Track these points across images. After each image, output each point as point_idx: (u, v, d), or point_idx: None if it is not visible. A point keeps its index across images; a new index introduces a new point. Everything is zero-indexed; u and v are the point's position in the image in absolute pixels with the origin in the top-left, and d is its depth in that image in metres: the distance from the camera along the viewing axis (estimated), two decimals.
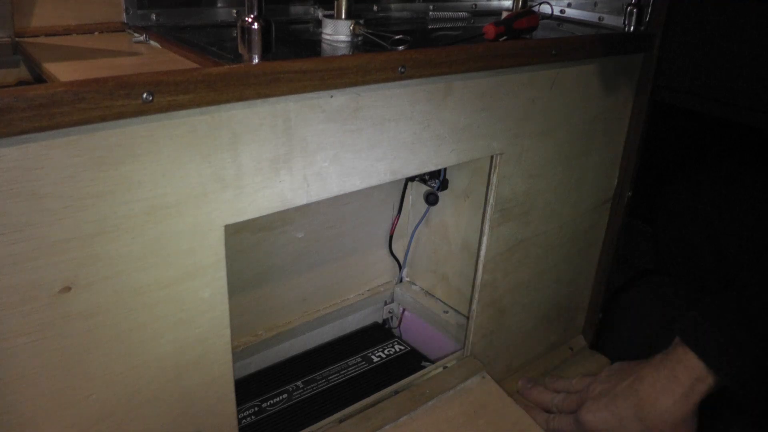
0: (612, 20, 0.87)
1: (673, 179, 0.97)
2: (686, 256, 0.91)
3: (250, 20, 0.47)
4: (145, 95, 0.41)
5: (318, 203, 0.64)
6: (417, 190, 0.87)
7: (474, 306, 0.77)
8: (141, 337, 0.48)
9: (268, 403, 0.72)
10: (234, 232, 0.70)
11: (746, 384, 0.64)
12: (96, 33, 0.64)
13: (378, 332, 0.89)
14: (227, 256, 0.50)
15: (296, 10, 0.77)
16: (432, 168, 0.64)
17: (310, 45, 0.65)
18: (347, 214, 0.82)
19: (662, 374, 0.69)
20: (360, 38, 0.63)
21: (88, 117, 0.39)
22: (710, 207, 0.87)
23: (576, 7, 0.92)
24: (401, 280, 0.96)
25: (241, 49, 0.48)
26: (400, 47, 0.58)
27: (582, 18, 0.91)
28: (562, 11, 0.94)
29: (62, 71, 0.49)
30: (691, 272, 0.91)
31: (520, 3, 0.79)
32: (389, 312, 0.96)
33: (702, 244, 0.88)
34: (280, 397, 0.73)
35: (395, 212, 0.88)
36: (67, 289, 0.43)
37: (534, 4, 0.84)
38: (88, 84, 0.39)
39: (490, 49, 0.62)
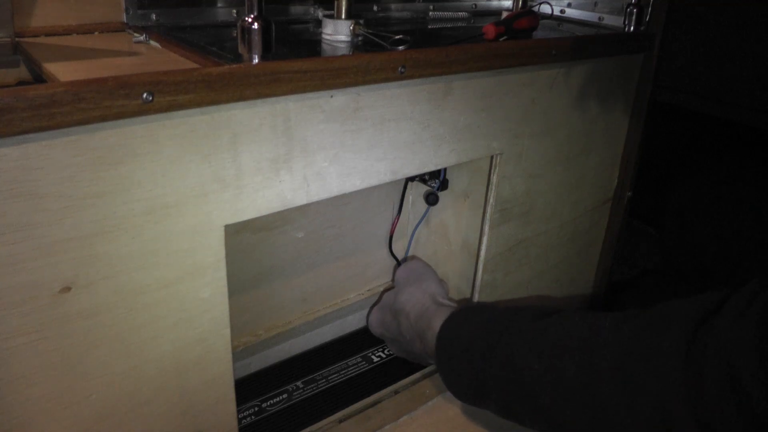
0: (612, 20, 0.87)
1: (674, 179, 0.97)
2: (692, 255, 0.91)
3: (250, 20, 0.47)
4: (145, 95, 0.41)
5: (318, 203, 0.63)
6: (417, 190, 0.87)
7: None
8: (141, 337, 0.48)
9: (268, 403, 0.72)
10: (234, 232, 0.70)
11: None
12: (96, 33, 0.64)
13: None
14: (227, 256, 0.50)
15: (296, 10, 0.77)
16: (432, 168, 0.64)
17: (310, 45, 0.65)
18: (347, 214, 0.82)
19: None
20: (360, 38, 0.63)
21: (88, 117, 0.39)
22: (712, 206, 0.87)
23: (576, 7, 0.92)
24: None
25: (241, 49, 0.48)
26: (400, 47, 0.58)
27: (582, 18, 0.91)
28: (562, 11, 0.94)
29: (62, 71, 0.49)
30: (697, 271, 0.91)
31: (520, 3, 0.79)
32: None
33: (706, 242, 0.88)
34: (280, 397, 0.73)
35: (395, 212, 0.88)
36: (67, 289, 0.43)
37: (534, 4, 0.84)
38: (88, 84, 0.39)
39: (490, 49, 0.62)
